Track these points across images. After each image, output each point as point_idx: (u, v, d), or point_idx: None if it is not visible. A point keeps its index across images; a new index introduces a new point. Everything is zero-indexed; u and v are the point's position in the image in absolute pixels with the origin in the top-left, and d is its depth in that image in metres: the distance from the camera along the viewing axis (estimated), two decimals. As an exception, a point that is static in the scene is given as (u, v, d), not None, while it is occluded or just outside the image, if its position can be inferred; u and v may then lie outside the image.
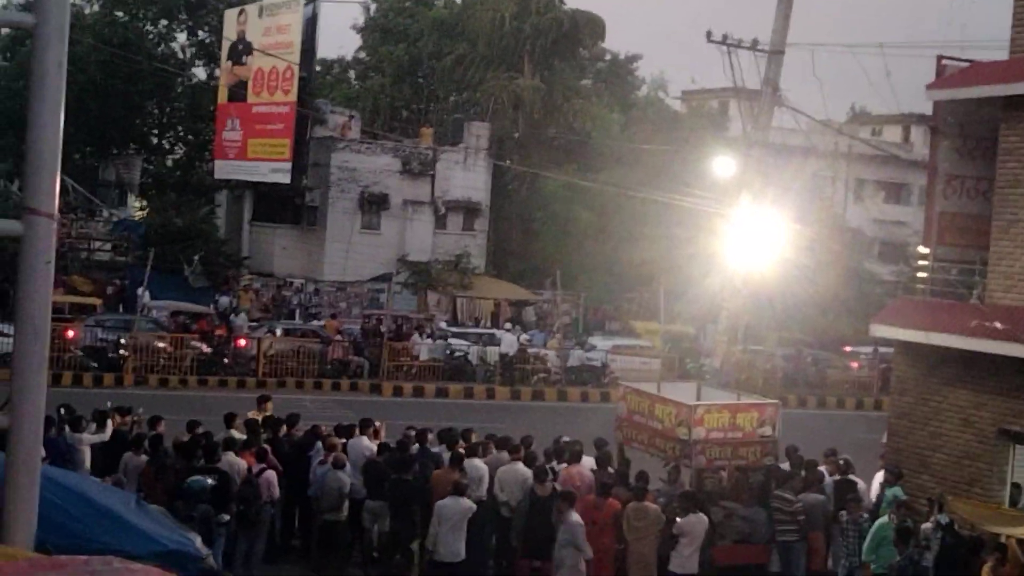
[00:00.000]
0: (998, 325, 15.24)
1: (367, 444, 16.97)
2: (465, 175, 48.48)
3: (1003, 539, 14.47)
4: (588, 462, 17.25)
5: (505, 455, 16.68)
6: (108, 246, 45.86)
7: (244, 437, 16.59)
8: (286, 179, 44.33)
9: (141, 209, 55.12)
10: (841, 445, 19.76)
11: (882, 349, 35.86)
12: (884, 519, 14.89)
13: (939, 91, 17.66)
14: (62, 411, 17.13)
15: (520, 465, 16.35)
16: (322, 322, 38.94)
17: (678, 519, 14.92)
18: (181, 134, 55.22)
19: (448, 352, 36.00)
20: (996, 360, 15.76)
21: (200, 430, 16.68)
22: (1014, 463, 16.18)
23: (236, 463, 15.36)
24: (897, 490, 16.62)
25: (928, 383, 17.25)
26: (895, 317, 18.12)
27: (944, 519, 15.15)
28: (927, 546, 15.14)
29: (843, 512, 15.39)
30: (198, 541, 8.95)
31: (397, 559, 15.76)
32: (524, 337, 38.55)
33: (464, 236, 48.36)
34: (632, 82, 59.38)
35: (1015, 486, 15.86)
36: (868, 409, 36.69)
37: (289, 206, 48.19)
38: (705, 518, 14.95)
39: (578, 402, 34.48)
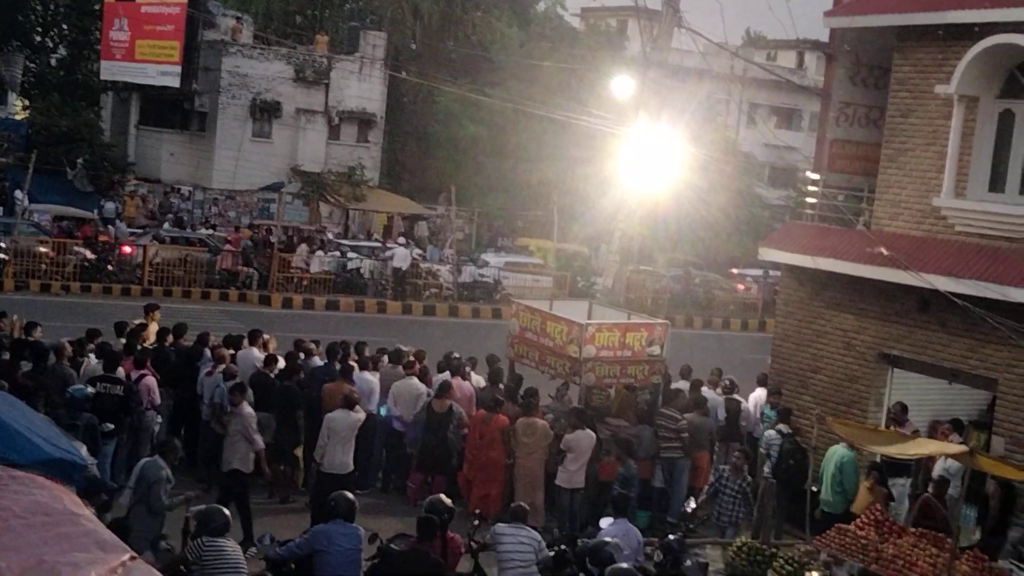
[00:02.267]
0: (883, 251, 15.59)
1: (257, 355, 16.83)
2: (360, 85, 47.71)
3: (878, 458, 15.00)
4: (478, 379, 17.40)
5: (400, 369, 16.69)
6: (-13, 146, 44.26)
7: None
8: (175, 83, 43.13)
9: (23, 109, 53.19)
10: (727, 365, 20.20)
11: (776, 273, 36.62)
12: (851, 453, 14.95)
13: (836, 18, 17.81)
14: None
15: (415, 380, 16.40)
16: (225, 233, 38.27)
17: (566, 435, 15.13)
18: (66, 32, 53.23)
19: (342, 265, 35.73)
20: (879, 286, 16.17)
21: (100, 339, 16.41)
22: (892, 386, 16.70)
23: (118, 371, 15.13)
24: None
25: (813, 306, 17.63)
26: (783, 241, 18.42)
27: (786, 428, 15.83)
28: (768, 454, 15.79)
29: (724, 467, 15.26)
30: (83, 450, 8.81)
31: (282, 468, 15.73)
32: (417, 252, 38.43)
33: (358, 148, 47.74)
34: (531, -3, 58.73)
35: (899, 406, 16.21)
36: (753, 330, 37.51)
37: (178, 111, 46.96)
38: (592, 434, 15.19)
39: (469, 318, 34.59)
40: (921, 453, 14.35)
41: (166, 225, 39.45)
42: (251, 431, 14.11)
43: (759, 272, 39.54)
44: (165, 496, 11.56)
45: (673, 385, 17.40)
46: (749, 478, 14.82)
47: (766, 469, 15.89)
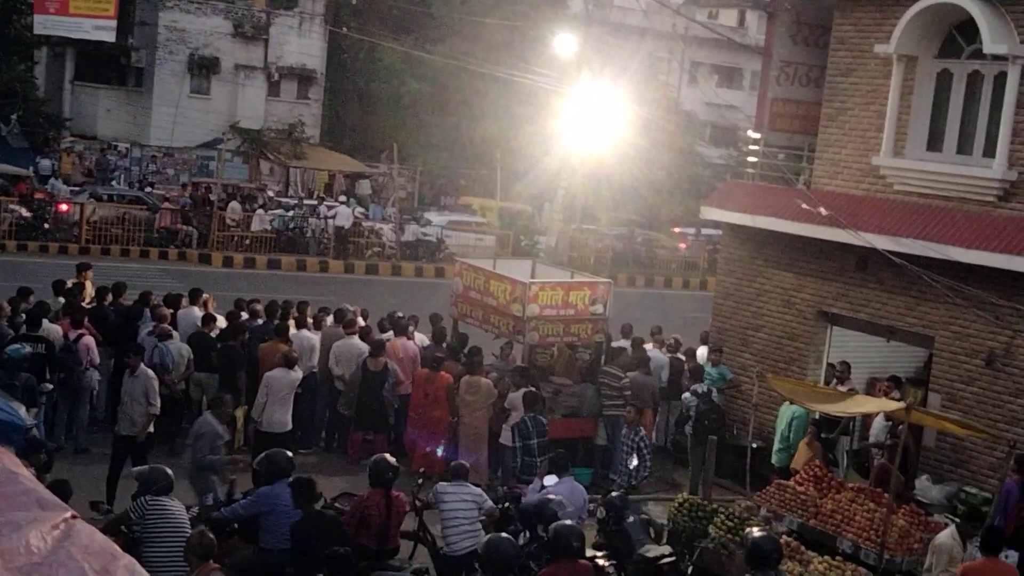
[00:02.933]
0: (822, 211, 15.74)
1: (197, 314, 16.67)
2: (300, 41, 47.17)
3: (816, 415, 15.21)
4: (422, 337, 17.37)
5: (341, 329, 16.61)
6: (-83, 102, 43.23)
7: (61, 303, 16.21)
8: (111, 37, 42.15)
9: (-47, 63, 51.97)
10: (669, 323, 20.35)
11: (709, 231, 36.86)
12: (803, 411, 15.09)
13: (778, -23, 17.87)
14: None
15: (356, 339, 16.32)
16: (163, 191, 37.78)
17: (509, 393, 15.17)
18: (-3, -16, 52.01)
19: (283, 223, 35.44)
20: (819, 244, 16.34)
21: (33, 299, 16.13)
22: (831, 343, 16.92)
23: (52, 330, 14.90)
24: (724, 369, 17.27)
25: (753, 265, 17.79)
26: (724, 200, 18.54)
27: (701, 388, 16.01)
28: (688, 415, 15.95)
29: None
30: (23, 411, 8.69)
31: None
32: (359, 211, 38.21)
33: (298, 104, 47.26)
34: (473, -48, 58.24)
35: (831, 367, 16.55)
36: (694, 288, 37.79)
37: (114, 66, 46.16)
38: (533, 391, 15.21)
39: (412, 277, 34.49)
40: (860, 411, 14.59)
41: (114, 184, 38.87)
42: (152, 393, 13.48)
43: (703, 231, 39.77)
44: (211, 452, 11.63)
45: (615, 343, 17.48)
46: (642, 431, 14.56)
47: (687, 428, 16.04)
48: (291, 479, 10.12)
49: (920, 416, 12.61)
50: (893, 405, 13.38)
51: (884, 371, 16.98)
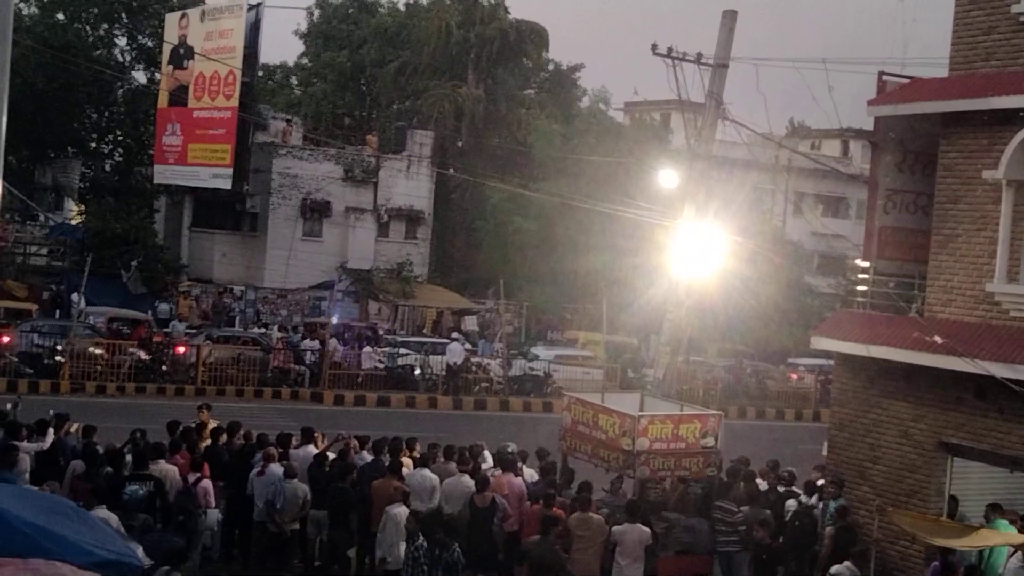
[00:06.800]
0: (937, 339, 15.42)
1: (313, 452, 16.81)
2: (408, 183, 48.40)
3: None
4: (530, 472, 17.27)
5: (453, 466, 16.60)
6: (44, 251, 45.20)
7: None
8: (227, 185, 43.86)
9: (79, 214, 54.31)
10: (782, 456, 19.95)
11: (820, 361, 36.28)
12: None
13: (880, 107, 17.85)
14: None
15: (466, 478, 16.25)
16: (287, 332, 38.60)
17: (613, 528, 14.92)
18: (120, 138, 54.50)
19: (394, 361, 35.89)
20: (935, 373, 15.95)
21: (147, 439, 16.48)
22: (951, 475, 16.39)
23: (168, 470, 15.17)
24: (842, 502, 16.80)
25: (868, 395, 17.42)
26: (835, 329, 18.27)
27: (807, 499, 16.11)
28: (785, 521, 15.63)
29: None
30: (140, 551, 8.83)
31: (335, 568, 15.63)
32: (468, 346, 38.52)
33: (407, 244, 48.28)
34: (574, 92, 59.60)
35: (952, 499, 16.09)
36: (807, 420, 37.07)
37: (229, 212, 47.78)
38: (644, 528, 14.95)
39: (520, 412, 34.46)
40: (986, 544, 14.05)
41: (265, 331, 39.57)
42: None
43: (814, 361, 39.17)
44: None
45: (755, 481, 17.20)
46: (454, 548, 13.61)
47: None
48: None
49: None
50: (1019, 538, 12.87)
51: (1009, 503, 16.34)
